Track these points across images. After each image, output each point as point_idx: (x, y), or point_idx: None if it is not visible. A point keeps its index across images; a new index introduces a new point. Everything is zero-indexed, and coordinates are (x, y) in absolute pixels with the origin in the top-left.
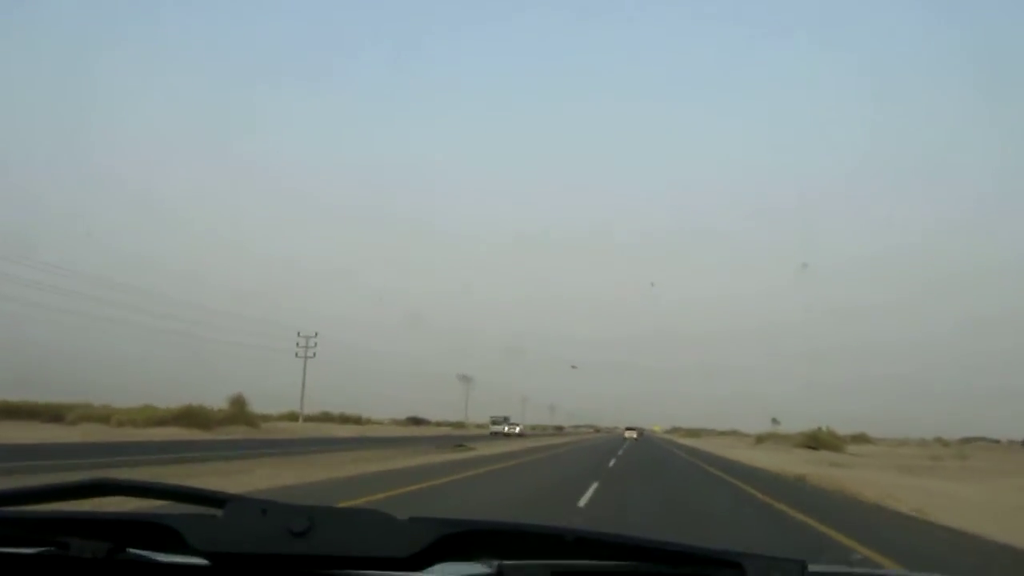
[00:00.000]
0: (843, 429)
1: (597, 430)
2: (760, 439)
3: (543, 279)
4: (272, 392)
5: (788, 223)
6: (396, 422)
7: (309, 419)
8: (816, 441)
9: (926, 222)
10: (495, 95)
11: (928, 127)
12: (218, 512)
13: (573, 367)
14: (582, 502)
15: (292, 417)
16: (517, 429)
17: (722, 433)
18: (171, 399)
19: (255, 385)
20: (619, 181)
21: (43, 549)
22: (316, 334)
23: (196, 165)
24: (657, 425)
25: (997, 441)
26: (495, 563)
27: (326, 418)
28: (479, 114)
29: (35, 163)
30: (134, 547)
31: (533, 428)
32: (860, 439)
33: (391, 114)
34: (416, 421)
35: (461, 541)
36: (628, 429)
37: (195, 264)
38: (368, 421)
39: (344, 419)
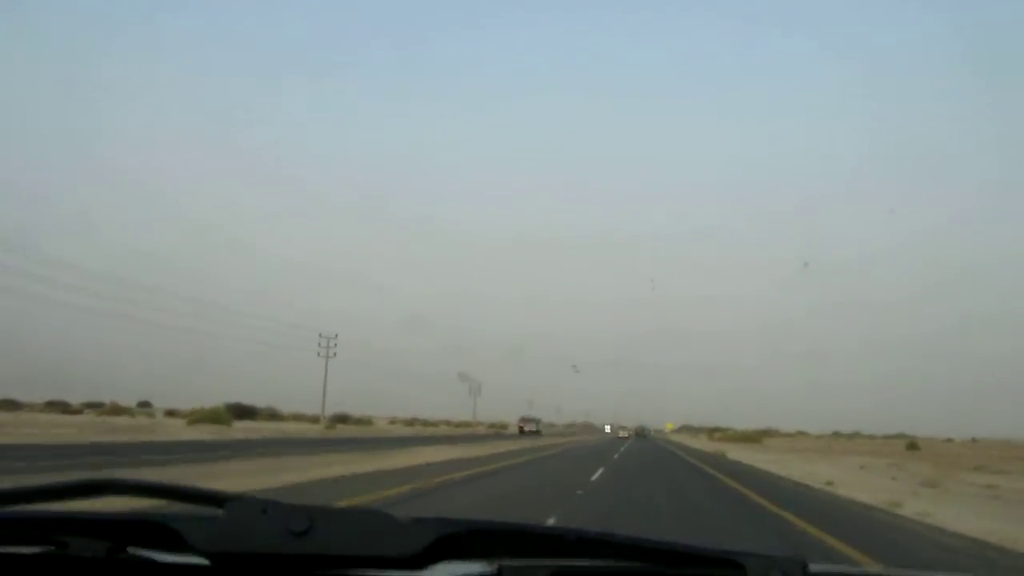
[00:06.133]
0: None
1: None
2: None
3: (545, 278)
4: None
5: (791, 221)
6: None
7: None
8: None
9: (927, 221)
10: (497, 95)
11: (930, 126)
12: (218, 511)
13: (575, 368)
14: None
15: (314, 419)
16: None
17: (765, 432)
18: (180, 399)
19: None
20: (621, 179)
21: (42, 548)
22: (336, 335)
23: (199, 160)
24: (670, 423)
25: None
26: (495, 563)
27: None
28: (481, 114)
29: (41, 159)
30: (134, 547)
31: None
32: None
33: (393, 113)
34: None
35: (461, 541)
36: (620, 428)
37: (197, 260)
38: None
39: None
